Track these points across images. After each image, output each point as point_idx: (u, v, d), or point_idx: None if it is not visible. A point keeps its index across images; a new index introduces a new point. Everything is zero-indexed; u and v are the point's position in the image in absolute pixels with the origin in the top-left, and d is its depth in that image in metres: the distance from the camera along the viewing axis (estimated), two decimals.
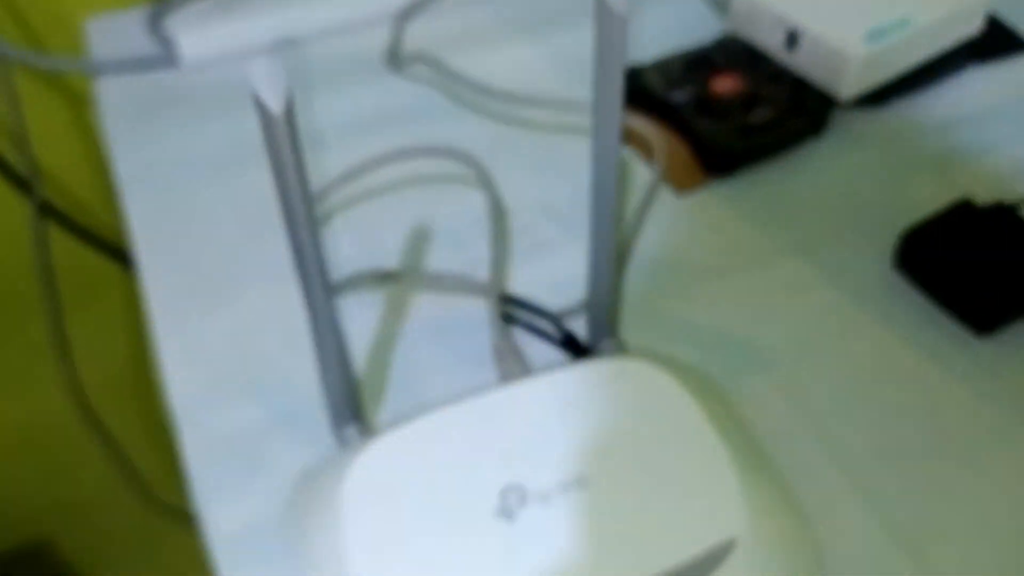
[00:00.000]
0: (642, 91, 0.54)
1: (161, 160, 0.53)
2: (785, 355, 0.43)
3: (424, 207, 0.50)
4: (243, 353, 0.43)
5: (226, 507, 0.38)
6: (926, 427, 0.40)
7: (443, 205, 0.50)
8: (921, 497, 0.38)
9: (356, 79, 0.58)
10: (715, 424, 0.36)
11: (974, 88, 0.56)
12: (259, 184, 0.49)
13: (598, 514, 0.33)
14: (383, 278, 0.45)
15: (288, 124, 0.27)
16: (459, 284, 0.45)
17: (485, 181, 0.50)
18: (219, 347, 0.44)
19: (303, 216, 0.29)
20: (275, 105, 0.26)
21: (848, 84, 0.52)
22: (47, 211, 0.67)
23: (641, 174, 0.51)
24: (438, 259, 0.47)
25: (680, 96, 0.53)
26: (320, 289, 0.32)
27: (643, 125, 0.51)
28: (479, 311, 0.44)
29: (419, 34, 0.60)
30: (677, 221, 0.49)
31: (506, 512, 0.33)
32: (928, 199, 0.49)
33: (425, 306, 0.45)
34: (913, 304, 0.45)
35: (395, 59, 0.58)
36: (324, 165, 0.52)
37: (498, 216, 0.49)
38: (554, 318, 0.43)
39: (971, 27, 0.56)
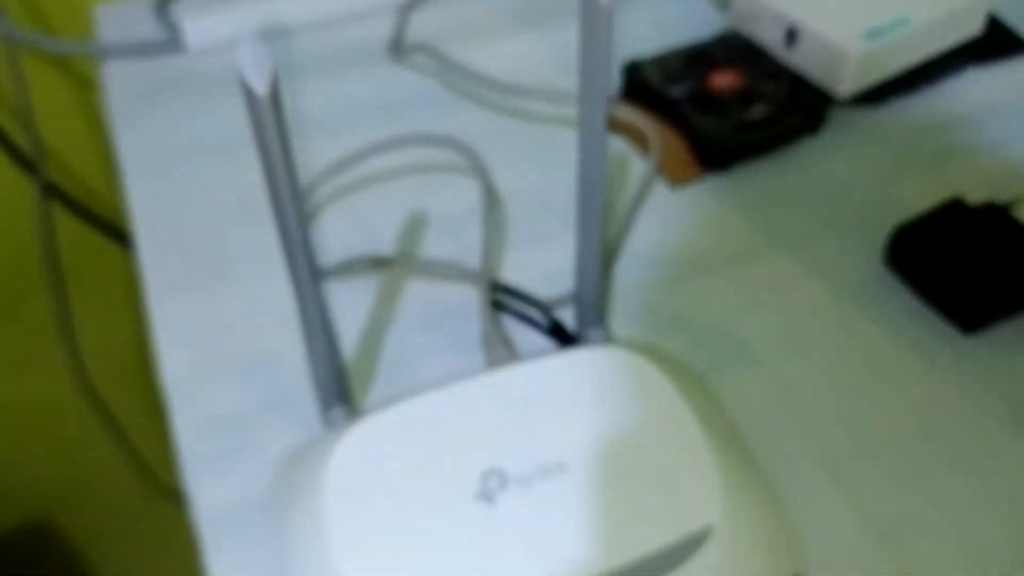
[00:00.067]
0: (641, 85, 0.54)
1: (163, 143, 0.53)
2: (772, 349, 0.43)
3: (420, 196, 0.50)
4: (236, 335, 0.44)
5: (214, 485, 0.39)
6: (910, 424, 0.41)
7: (439, 194, 0.50)
8: (902, 492, 0.38)
9: (358, 68, 0.58)
10: (696, 414, 0.36)
11: (973, 88, 0.56)
12: (259, 169, 0.50)
13: (576, 499, 0.34)
14: (376, 264, 0.46)
15: (273, 106, 0.27)
16: (450, 271, 0.45)
17: (479, 169, 0.50)
18: (213, 328, 0.44)
19: (289, 198, 0.30)
20: (261, 88, 0.27)
21: (846, 82, 0.52)
22: (51, 192, 0.67)
23: (637, 167, 0.52)
24: (432, 247, 0.48)
25: (678, 91, 0.53)
26: (306, 271, 0.33)
27: (638, 118, 0.51)
28: (470, 298, 0.45)
29: (422, 25, 0.61)
30: (671, 214, 0.49)
31: (486, 495, 0.34)
32: (922, 198, 0.49)
33: (417, 293, 0.45)
34: (902, 301, 0.45)
35: (397, 49, 0.59)
36: (323, 152, 0.52)
37: (491, 204, 0.49)
38: (543, 307, 0.43)
39: (972, 27, 0.56)
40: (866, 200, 0.50)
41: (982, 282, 0.43)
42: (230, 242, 0.48)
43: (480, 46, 0.59)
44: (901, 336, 0.44)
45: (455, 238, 0.48)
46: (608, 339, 0.42)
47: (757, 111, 0.52)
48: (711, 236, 0.48)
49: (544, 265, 0.46)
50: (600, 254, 0.39)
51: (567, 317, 0.44)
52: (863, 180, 0.51)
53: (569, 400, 0.37)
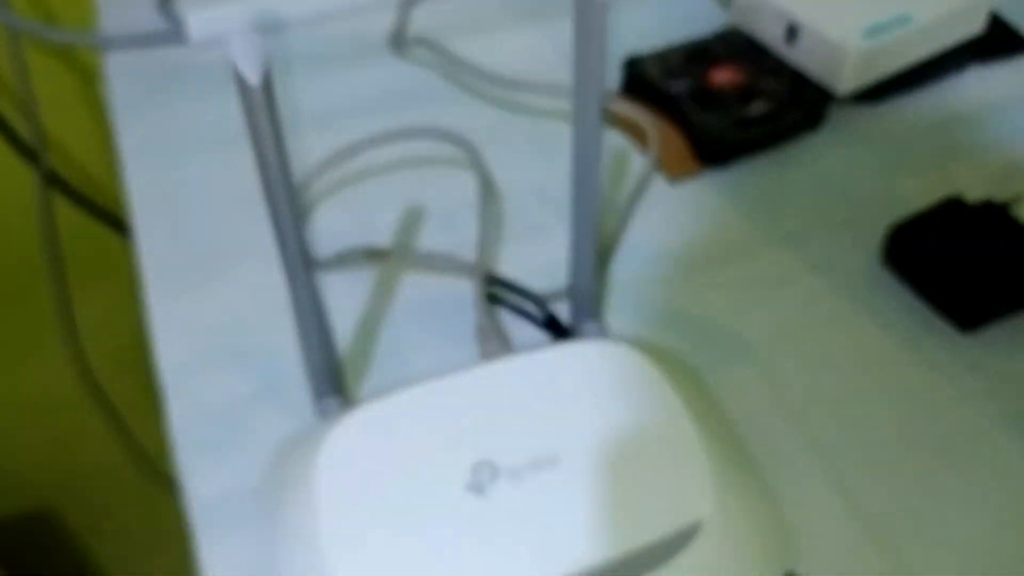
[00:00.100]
0: (641, 81, 0.54)
1: (164, 134, 0.54)
2: (768, 345, 0.43)
3: (419, 188, 0.50)
4: (233, 324, 0.44)
5: (207, 474, 0.39)
6: (905, 422, 0.40)
7: (438, 187, 0.50)
8: (895, 490, 0.38)
9: (360, 61, 0.58)
10: (690, 409, 0.36)
11: (974, 87, 0.56)
12: None
13: (567, 492, 0.34)
14: (372, 255, 0.46)
15: (266, 95, 0.27)
16: (446, 263, 0.45)
17: (475, 161, 0.50)
18: (210, 318, 0.44)
19: (281, 187, 0.30)
20: (253, 77, 0.27)
21: (846, 79, 0.52)
22: (53, 181, 0.68)
23: (636, 162, 0.52)
24: (430, 239, 0.48)
25: (678, 86, 0.53)
26: (299, 260, 0.33)
27: (637, 113, 0.51)
28: (466, 291, 0.45)
29: (424, 18, 0.61)
30: (669, 210, 0.49)
31: (476, 487, 0.34)
32: (921, 196, 0.49)
33: (413, 285, 0.45)
34: (899, 299, 0.45)
35: (399, 42, 0.59)
36: (323, 144, 0.52)
37: (488, 197, 0.49)
38: (538, 300, 0.43)
39: (973, 26, 0.56)
40: (865, 198, 0.50)
41: (979, 281, 0.43)
42: (229, 233, 0.48)
43: (482, 40, 0.59)
44: (898, 334, 0.44)
45: (452, 231, 0.48)
46: (603, 333, 0.42)
47: (757, 108, 0.52)
48: (709, 232, 0.48)
49: (541, 259, 0.46)
50: (595, 247, 0.39)
51: (563, 311, 0.44)
52: (862, 178, 0.51)
53: (562, 393, 0.37)
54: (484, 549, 0.32)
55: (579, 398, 0.36)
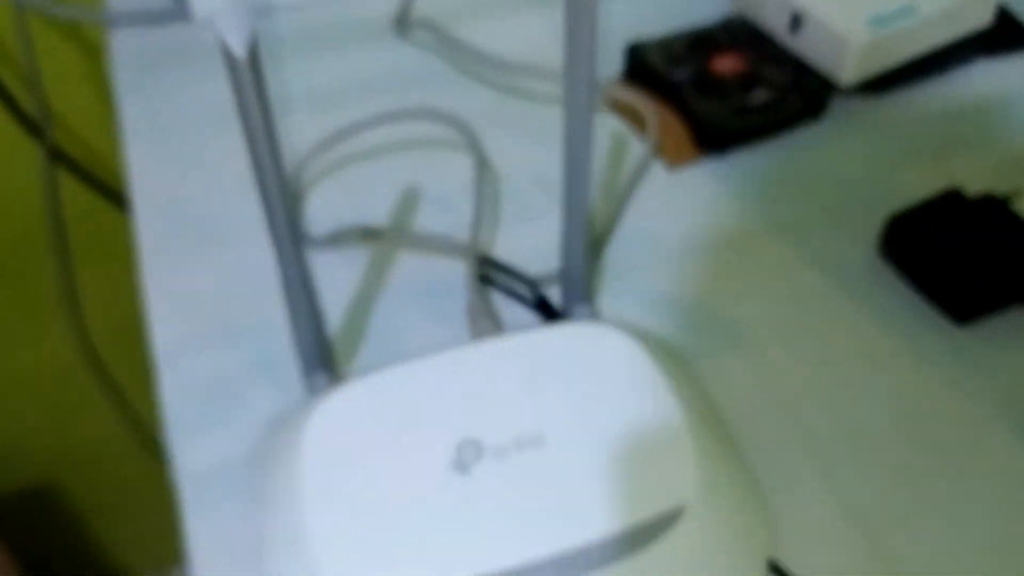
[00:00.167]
0: (644, 67, 0.54)
1: (166, 111, 0.54)
2: (760, 334, 0.43)
3: (417, 170, 0.50)
4: (227, 300, 0.44)
5: (197, 447, 0.39)
6: (896, 414, 0.40)
7: (436, 169, 0.50)
8: (883, 481, 0.38)
9: (363, 43, 0.58)
10: (676, 393, 0.36)
11: (980, 80, 0.56)
12: None
13: (550, 473, 0.34)
14: (367, 234, 0.46)
15: (252, 69, 0.27)
16: (440, 244, 0.45)
17: (471, 142, 0.50)
18: (205, 294, 0.45)
19: (269, 161, 0.30)
20: (240, 50, 0.27)
21: (849, 69, 0.52)
22: (57, 157, 0.68)
23: (635, 148, 0.52)
24: (426, 221, 0.48)
25: (680, 74, 0.53)
26: (287, 235, 0.33)
27: (636, 99, 0.51)
28: (460, 272, 0.45)
29: (428, 2, 0.61)
30: (667, 196, 0.49)
31: (461, 465, 0.34)
32: (922, 189, 0.49)
33: (408, 265, 0.46)
34: (895, 291, 0.45)
35: (403, 25, 0.59)
36: (323, 125, 0.52)
37: (485, 179, 0.49)
38: (530, 282, 0.43)
39: (980, 19, 0.55)
40: (865, 189, 0.50)
41: (976, 274, 0.43)
42: (225, 210, 0.48)
43: (485, 24, 0.59)
44: (892, 325, 0.43)
45: (449, 213, 0.48)
46: (594, 316, 0.42)
47: (758, 96, 0.51)
48: (706, 219, 0.48)
49: (536, 242, 0.46)
50: (587, 231, 0.39)
51: (556, 294, 0.44)
52: (863, 169, 0.51)
53: (549, 374, 0.37)
54: (465, 527, 0.33)
55: (566, 379, 0.36)
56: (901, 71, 0.54)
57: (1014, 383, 0.41)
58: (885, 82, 0.54)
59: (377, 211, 0.48)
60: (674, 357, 0.41)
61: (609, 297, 0.44)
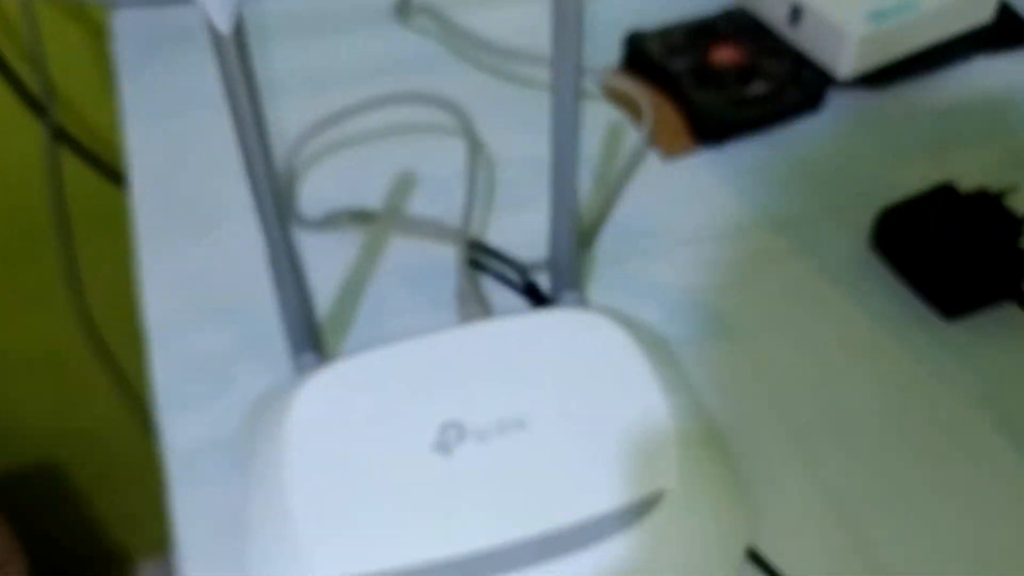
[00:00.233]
0: (642, 57, 0.54)
1: (166, 92, 0.54)
2: (748, 324, 0.43)
3: (413, 155, 0.50)
4: (221, 280, 0.45)
5: (186, 424, 0.39)
6: (880, 406, 0.40)
7: (432, 154, 0.50)
8: (866, 473, 0.38)
9: (364, 27, 0.58)
10: (660, 380, 0.36)
11: (980, 77, 0.56)
12: None
13: (531, 456, 0.34)
14: (359, 217, 0.46)
15: (237, 45, 0.28)
16: (431, 228, 0.45)
17: (465, 127, 0.50)
18: (198, 273, 0.45)
19: (254, 138, 0.30)
20: (224, 25, 0.27)
21: (847, 62, 0.52)
22: (60, 136, 0.68)
23: (631, 137, 0.52)
24: (420, 206, 0.48)
25: (679, 64, 0.53)
26: (273, 214, 0.33)
27: (632, 88, 0.51)
28: (452, 257, 0.45)
29: None
30: (661, 185, 0.49)
31: (443, 447, 0.34)
32: (917, 183, 0.49)
33: (400, 249, 0.46)
34: (885, 284, 0.45)
35: (404, 10, 0.59)
36: (320, 108, 0.53)
37: (479, 164, 0.49)
38: (520, 268, 0.43)
39: (981, 15, 0.55)
40: (859, 182, 0.50)
41: (966, 268, 0.43)
42: (221, 191, 0.48)
43: (486, 11, 0.59)
44: (881, 318, 0.44)
45: (443, 198, 0.48)
46: (582, 302, 0.42)
47: (756, 87, 0.52)
48: (700, 209, 0.48)
49: (528, 228, 0.46)
50: (574, 217, 0.39)
51: (546, 281, 0.44)
52: (858, 162, 0.51)
53: (534, 358, 0.37)
54: (446, 508, 0.33)
55: (551, 364, 0.37)
56: (900, 65, 0.54)
57: (998, 379, 0.41)
58: (884, 76, 0.54)
59: (371, 195, 0.48)
60: (660, 345, 0.41)
61: (600, 284, 0.44)
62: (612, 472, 0.34)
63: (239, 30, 0.27)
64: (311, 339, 0.39)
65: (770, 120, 0.52)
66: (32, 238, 0.75)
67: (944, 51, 0.55)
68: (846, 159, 0.51)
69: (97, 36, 0.67)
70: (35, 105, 0.66)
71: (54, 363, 0.88)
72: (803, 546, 0.36)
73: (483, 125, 0.52)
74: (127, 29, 0.58)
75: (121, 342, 0.85)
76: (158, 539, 1.12)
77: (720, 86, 0.52)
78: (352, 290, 0.44)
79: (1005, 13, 0.57)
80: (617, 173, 0.49)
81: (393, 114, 0.52)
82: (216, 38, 0.27)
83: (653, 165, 0.50)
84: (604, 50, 0.56)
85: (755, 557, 0.35)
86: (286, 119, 0.52)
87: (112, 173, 0.72)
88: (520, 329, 0.38)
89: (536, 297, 0.43)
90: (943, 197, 0.46)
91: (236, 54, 0.28)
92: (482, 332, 0.38)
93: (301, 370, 0.39)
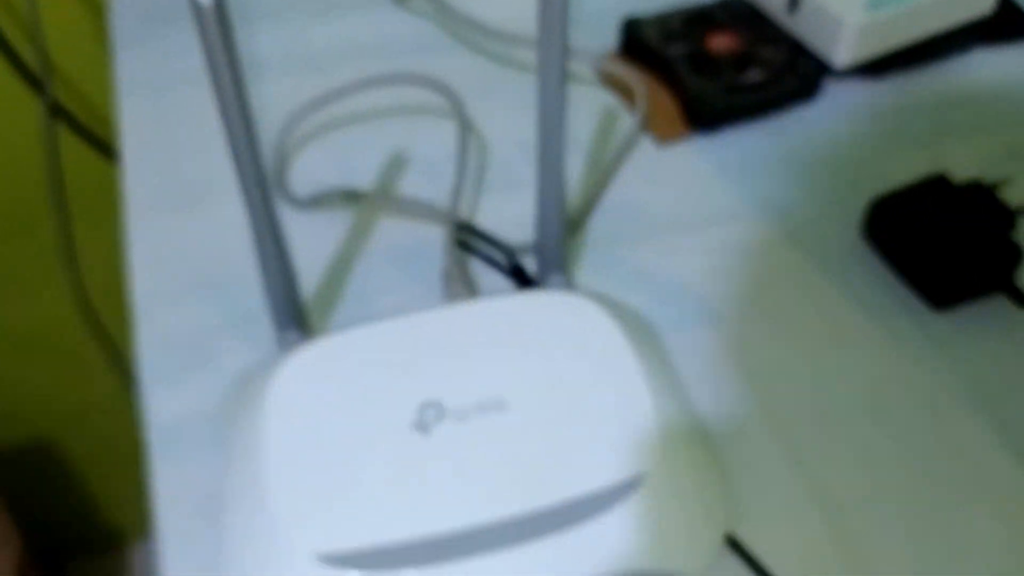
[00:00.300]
0: (639, 42, 0.54)
1: (162, 69, 0.54)
2: (735, 311, 0.43)
3: (405, 137, 0.50)
4: (209, 256, 0.45)
5: (168, 398, 0.39)
6: (865, 395, 0.40)
7: (424, 135, 0.50)
8: (847, 461, 0.38)
9: (362, 9, 0.58)
10: (641, 364, 0.36)
11: (978, 68, 0.55)
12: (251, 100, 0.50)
13: (510, 437, 0.34)
14: (349, 197, 0.46)
15: (218, 17, 0.27)
16: (420, 208, 0.45)
17: (456, 109, 0.50)
18: (187, 248, 0.45)
19: (236, 111, 0.30)
20: None
21: (844, 51, 0.51)
22: (58, 112, 0.68)
23: (626, 122, 0.52)
24: (411, 187, 0.48)
25: (675, 50, 0.52)
26: (257, 189, 0.33)
27: (627, 73, 0.51)
28: (441, 238, 0.45)
29: None
30: (654, 171, 0.49)
31: (422, 426, 0.34)
32: (911, 174, 0.49)
33: (389, 229, 0.46)
34: (875, 273, 0.45)
35: None
36: (315, 88, 0.52)
37: (471, 146, 0.49)
38: (507, 250, 0.43)
39: (981, 6, 0.55)
40: (853, 172, 0.49)
41: (956, 259, 0.43)
42: (211, 167, 0.48)
43: None
44: (869, 308, 0.43)
45: (434, 180, 0.48)
46: (568, 285, 0.42)
47: (752, 75, 0.51)
48: (692, 196, 0.48)
49: (517, 211, 0.46)
50: (561, 199, 0.39)
51: (533, 264, 0.44)
52: (853, 152, 0.50)
53: (517, 340, 0.37)
54: (422, 487, 0.33)
55: (533, 346, 0.36)
56: (898, 55, 0.54)
57: (986, 371, 0.41)
58: (881, 66, 0.53)
59: (363, 175, 0.48)
60: (644, 329, 0.41)
61: (586, 268, 0.44)
62: (591, 455, 0.34)
63: (220, 2, 0.27)
64: (295, 316, 0.39)
65: (765, 108, 0.52)
66: (29, 214, 0.75)
67: (942, 42, 0.55)
68: (841, 148, 0.51)
69: (96, 12, 0.67)
70: (33, 81, 0.66)
71: (49, 341, 0.89)
72: (782, 534, 0.36)
73: (477, 108, 0.52)
74: (126, 4, 0.58)
75: (117, 321, 0.85)
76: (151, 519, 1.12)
77: (716, 73, 0.51)
78: (340, 269, 0.44)
79: (1005, 5, 0.57)
80: (610, 158, 0.49)
81: (387, 95, 0.52)
82: (197, 9, 0.27)
83: (647, 151, 0.50)
84: (602, 35, 0.56)
85: (734, 544, 0.35)
86: (280, 98, 0.52)
87: (109, 150, 0.72)
88: (504, 310, 0.38)
89: (522, 279, 0.42)
90: (936, 188, 0.46)
91: (217, 26, 0.28)
92: (466, 312, 0.38)
93: (285, 347, 0.39)
